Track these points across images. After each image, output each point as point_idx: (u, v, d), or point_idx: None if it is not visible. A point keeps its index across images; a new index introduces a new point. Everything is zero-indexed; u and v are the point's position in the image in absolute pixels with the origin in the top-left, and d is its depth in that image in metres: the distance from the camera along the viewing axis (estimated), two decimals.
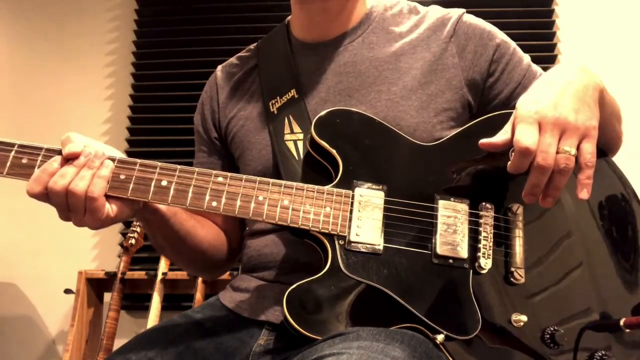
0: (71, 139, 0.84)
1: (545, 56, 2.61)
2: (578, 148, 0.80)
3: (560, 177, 0.79)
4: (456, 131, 0.97)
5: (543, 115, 0.80)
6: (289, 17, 1.16)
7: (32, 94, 2.84)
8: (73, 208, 0.82)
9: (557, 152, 0.79)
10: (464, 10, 1.07)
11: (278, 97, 1.06)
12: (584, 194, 0.79)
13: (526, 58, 1.07)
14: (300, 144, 1.00)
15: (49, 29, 2.90)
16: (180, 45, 2.80)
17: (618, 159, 1.03)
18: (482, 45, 1.03)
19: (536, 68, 1.06)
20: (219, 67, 1.20)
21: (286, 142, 1.01)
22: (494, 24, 1.08)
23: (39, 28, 2.91)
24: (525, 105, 0.82)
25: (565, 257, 0.92)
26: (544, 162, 0.78)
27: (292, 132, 1.02)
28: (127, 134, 2.74)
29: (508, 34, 1.08)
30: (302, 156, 0.98)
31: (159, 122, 2.73)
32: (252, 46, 1.19)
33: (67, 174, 0.81)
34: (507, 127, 0.84)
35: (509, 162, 0.81)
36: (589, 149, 0.80)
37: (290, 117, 1.03)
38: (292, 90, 1.05)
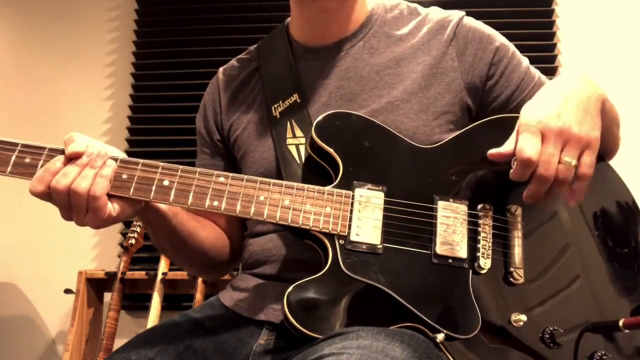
0: (74, 139, 0.84)
1: (545, 57, 2.61)
2: (578, 159, 0.81)
3: (559, 186, 0.81)
4: (455, 134, 0.98)
5: (546, 124, 0.80)
6: (288, 19, 1.16)
7: (32, 94, 2.84)
8: (75, 207, 0.82)
9: (559, 163, 0.80)
10: (463, 13, 1.08)
11: (280, 102, 1.06)
12: (573, 202, 0.84)
13: (525, 61, 1.07)
14: (302, 148, 1.00)
15: (49, 29, 2.90)
16: (180, 45, 2.80)
17: (617, 161, 1.03)
18: (482, 48, 1.03)
19: (535, 71, 1.07)
20: (221, 70, 1.20)
21: (288, 146, 1.01)
22: (494, 24, 1.09)
23: (39, 28, 2.91)
24: (529, 114, 0.83)
25: (564, 257, 0.92)
26: (546, 172, 0.79)
27: (294, 136, 1.02)
28: (127, 134, 2.74)
29: (508, 35, 1.08)
30: (303, 160, 0.99)
31: (159, 122, 2.73)
32: (252, 48, 1.19)
33: (69, 173, 0.81)
34: (514, 136, 0.85)
35: (511, 171, 0.83)
36: (589, 161, 0.81)
37: (293, 122, 1.03)
38: (294, 95, 1.05)
